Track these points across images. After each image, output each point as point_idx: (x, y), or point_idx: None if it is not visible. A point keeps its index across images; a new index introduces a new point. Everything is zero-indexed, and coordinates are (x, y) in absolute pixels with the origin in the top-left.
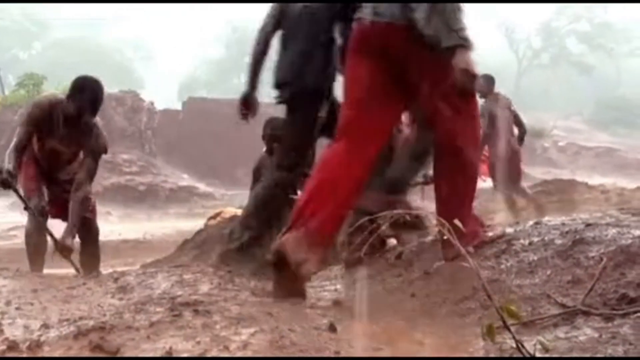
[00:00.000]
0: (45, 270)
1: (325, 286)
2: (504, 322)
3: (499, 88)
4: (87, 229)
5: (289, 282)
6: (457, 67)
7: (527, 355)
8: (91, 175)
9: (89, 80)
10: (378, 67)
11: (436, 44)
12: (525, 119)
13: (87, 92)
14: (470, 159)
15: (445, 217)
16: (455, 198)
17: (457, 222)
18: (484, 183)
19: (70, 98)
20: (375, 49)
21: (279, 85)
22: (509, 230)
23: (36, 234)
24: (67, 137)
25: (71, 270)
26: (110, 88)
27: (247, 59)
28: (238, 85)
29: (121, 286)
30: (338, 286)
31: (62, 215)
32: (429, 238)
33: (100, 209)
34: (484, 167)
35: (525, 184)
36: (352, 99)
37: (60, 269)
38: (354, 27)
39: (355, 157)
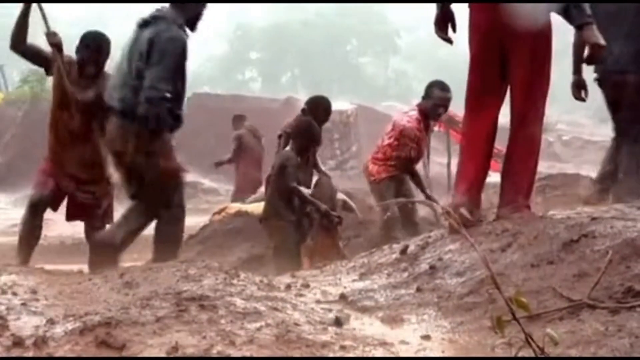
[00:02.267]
0: (50, 266)
1: (331, 281)
2: (513, 314)
3: None
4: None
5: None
6: (590, 41)
7: (537, 349)
8: (92, 100)
9: (91, 33)
10: None
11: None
12: None
13: (87, 44)
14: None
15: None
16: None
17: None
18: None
19: (76, 52)
20: None
21: None
22: (514, 223)
23: (28, 225)
24: (79, 91)
25: (76, 266)
26: None
27: (251, 55)
28: (241, 81)
29: (127, 282)
30: (344, 280)
31: (82, 215)
32: (434, 232)
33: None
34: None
35: None
36: None
37: (65, 265)
38: None
39: None
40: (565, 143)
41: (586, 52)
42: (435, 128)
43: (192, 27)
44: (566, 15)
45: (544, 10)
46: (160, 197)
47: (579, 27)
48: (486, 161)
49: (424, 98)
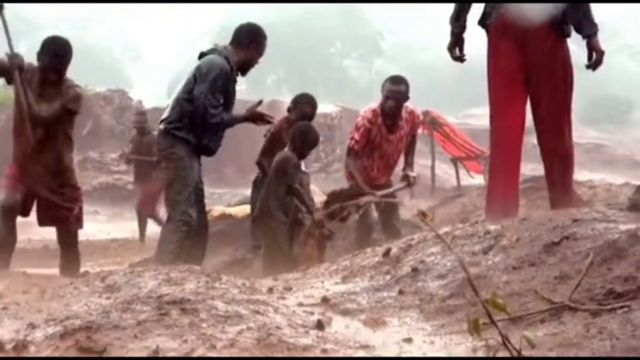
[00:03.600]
0: (32, 270)
1: (313, 283)
2: (490, 317)
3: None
4: (65, 232)
5: None
6: (597, 49)
7: (513, 351)
8: (51, 115)
9: (52, 39)
10: None
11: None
12: None
13: (48, 50)
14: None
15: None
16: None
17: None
18: (473, 180)
19: (37, 59)
20: None
21: None
22: (497, 225)
23: (4, 229)
24: (40, 99)
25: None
26: (98, 87)
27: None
28: None
29: (108, 285)
30: (326, 283)
31: (53, 221)
32: (417, 235)
33: (88, 208)
34: (473, 164)
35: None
36: None
37: (48, 269)
38: None
39: None
40: (586, 150)
41: (593, 58)
42: (420, 130)
43: (243, 73)
44: (579, 25)
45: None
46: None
47: (588, 37)
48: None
49: (381, 92)
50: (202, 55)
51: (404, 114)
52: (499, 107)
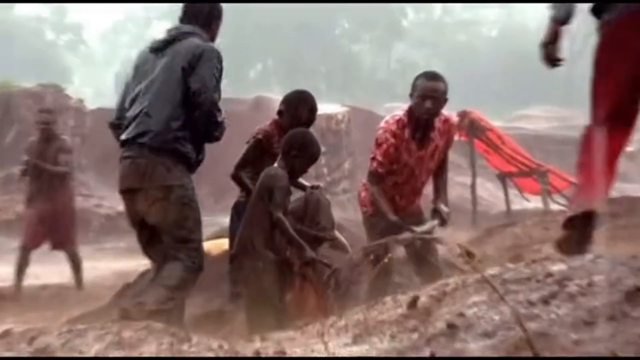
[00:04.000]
0: None
1: (315, 345)
2: None
3: (543, 78)
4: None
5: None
6: None
7: None
8: None
9: None
10: None
11: None
12: (582, 116)
13: None
14: None
15: None
16: None
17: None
18: (528, 203)
19: None
20: None
21: None
22: (561, 266)
23: None
24: None
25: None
26: (24, 80)
27: None
28: None
29: (39, 349)
30: (332, 344)
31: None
32: (454, 279)
33: (10, 243)
34: (527, 181)
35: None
36: None
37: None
38: None
39: None
40: (631, 156)
41: None
42: (456, 137)
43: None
44: None
45: None
46: None
47: None
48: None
49: (410, 96)
50: (172, 39)
51: (436, 122)
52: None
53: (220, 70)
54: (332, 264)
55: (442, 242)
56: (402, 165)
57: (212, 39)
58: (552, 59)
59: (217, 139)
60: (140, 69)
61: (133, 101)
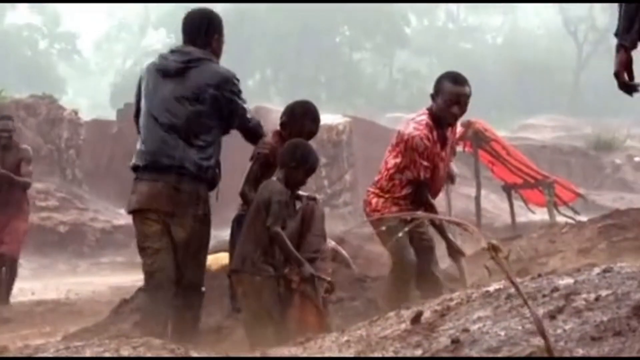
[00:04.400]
0: None
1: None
2: None
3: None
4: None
5: None
6: None
7: None
8: None
9: None
10: None
11: None
12: (588, 126)
13: None
14: None
15: None
16: None
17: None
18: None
19: None
20: None
21: None
22: (568, 280)
23: None
24: None
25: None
26: (17, 92)
27: None
28: None
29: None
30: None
31: None
32: (458, 293)
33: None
34: (533, 193)
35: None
36: None
37: None
38: None
39: None
40: (638, 166)
41: None
42: (459, 148)
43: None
44: None
45: None
46: None
47: None
48: None
49: (432, 97)
50: (185, 67)
51: None
52: None
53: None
54: (331, 279)
55: (467, 227)
56: (433, 168)
57: (217, 55)
58: (628, 85)
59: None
60: (153, 90)
61: (152, 123)
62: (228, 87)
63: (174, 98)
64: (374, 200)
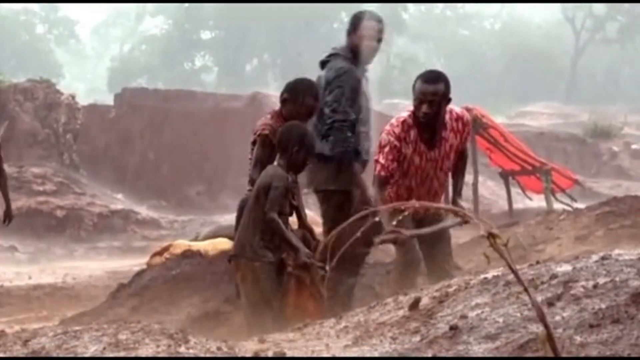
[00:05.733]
0: None
1: (315, 347)
2: None
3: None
4: None
5: None
6: None
7: None
8: None
9: None
10: None
11: None
12: (585, 113)
13: None
14: None
15: None
16: None
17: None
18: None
19: None
20: None
21: None
22: (566, 267)
23: None
24: None
25: None
26: (15, 76)
27: (202, 35)
28: (190, 71)
29: (33, 351)
30: (333, 346)
31: None
32: (456, 280)
33: (1, 242)
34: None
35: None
36: None
37: None
38: None
39: None
40: (635, 154)
41: None
42: None
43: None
44: None
45: None
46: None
47: None
48: None
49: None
50: (323, 64)
51: (448, 120)
52: None
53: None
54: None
55: (465, 215)
56: (415, 168)
57: (353, 49)
58: None
59: None
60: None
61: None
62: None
63: None
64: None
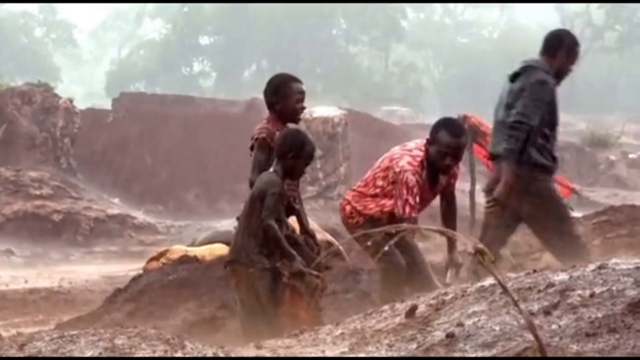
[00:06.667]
0: None
1: (312, 353)
2: None
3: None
4: None
5: None
6: None
7: None
8: None
9: None
10: None
11: None
12: (583, 122)
13: None
14: None
15: None
16: None
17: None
18: None
19: None
20: None
21: None
22: (563, 276)
23: None
24: None
25: None
26: (13, 80)
27: (201, 41)
28: (188, 76)
29: (29, 356)
30: (329, 353)
31: None
32: (452, 288)
33: None
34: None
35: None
36: None
37: None
38: None
39: None
40: (632, 163)
41: None
42: None
43: (559, 79)
44: None
45: None
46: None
47: None
48: None
49: (427, 142)
50: (515, 75)
51: None
52: None
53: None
54: (321, 274)
55: (454, 236)
56: (419, 205)
57: (557, 69)
58: None
59: None
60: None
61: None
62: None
63: None
64: (347, 208)
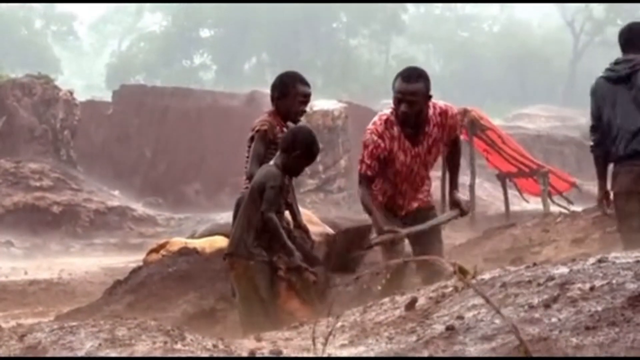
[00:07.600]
0: None
1: (311, 346)
2: None
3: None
4: None
5: None
6: None
7: None
8: None
9: None
10: None
11: None
12: (583, 116)
13: None
14: None
15: None
16: None
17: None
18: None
19: None
20: None
21: None
22: (563, 269)
23: None
24: None
25: None
26: (13, 72)
27: (201, 33)
28: (188, 68)
29: (29, 346)
30: (329, 345)
31: None
32: (453, 280)
33: None
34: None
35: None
36: None
37: None
38: None
39: None
40: None
41: None
42: None
43: None
44: None
45: None
46: None
47: None
48: None
49: None
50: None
51: (432, 115)
52: None
53: None
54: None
55: (433, 260)
56: (400, 165)
57: None
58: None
59: None
60: (607, 96)
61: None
62: None
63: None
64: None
